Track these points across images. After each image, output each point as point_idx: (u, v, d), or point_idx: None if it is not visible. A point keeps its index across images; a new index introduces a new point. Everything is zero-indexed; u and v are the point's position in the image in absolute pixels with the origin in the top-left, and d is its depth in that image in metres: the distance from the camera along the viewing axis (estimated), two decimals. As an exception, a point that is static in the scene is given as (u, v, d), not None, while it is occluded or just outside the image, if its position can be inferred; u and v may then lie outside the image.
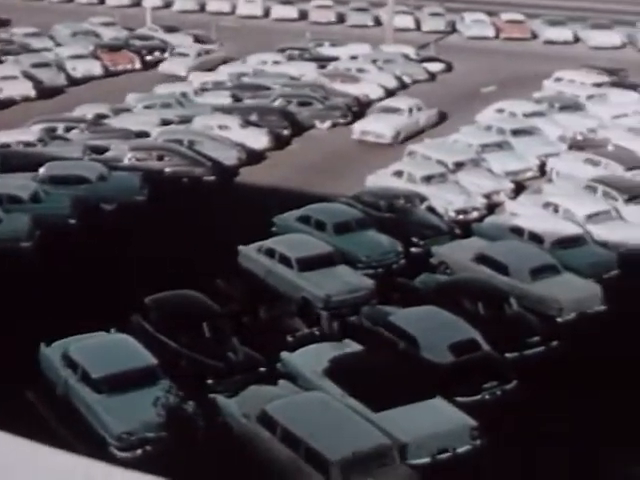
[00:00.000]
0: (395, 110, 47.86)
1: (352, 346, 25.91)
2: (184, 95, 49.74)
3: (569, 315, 29.03)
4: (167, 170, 39.86)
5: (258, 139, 44.31)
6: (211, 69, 58.31)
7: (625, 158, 40.32)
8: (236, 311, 27.31)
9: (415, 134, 46.77)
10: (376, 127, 46.38)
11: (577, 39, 69.80)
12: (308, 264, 29.97)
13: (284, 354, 25.70)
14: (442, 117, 50.03)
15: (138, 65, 60.50)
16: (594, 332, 28.27)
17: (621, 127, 45.14)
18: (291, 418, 21.80)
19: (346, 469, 20.51)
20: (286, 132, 46.31)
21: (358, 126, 46.93)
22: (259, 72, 56.07)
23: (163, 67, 60.42)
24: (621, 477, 22.25)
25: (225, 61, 60.88)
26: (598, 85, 52.84)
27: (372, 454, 20.89)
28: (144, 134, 43.90)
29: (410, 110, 47.77)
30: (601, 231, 33.80)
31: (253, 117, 46.40)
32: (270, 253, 30.85)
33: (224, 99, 49.74)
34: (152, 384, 23.17)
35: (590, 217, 34.38)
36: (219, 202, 37.75)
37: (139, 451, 22.15)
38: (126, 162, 39.92)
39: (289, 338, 27.10)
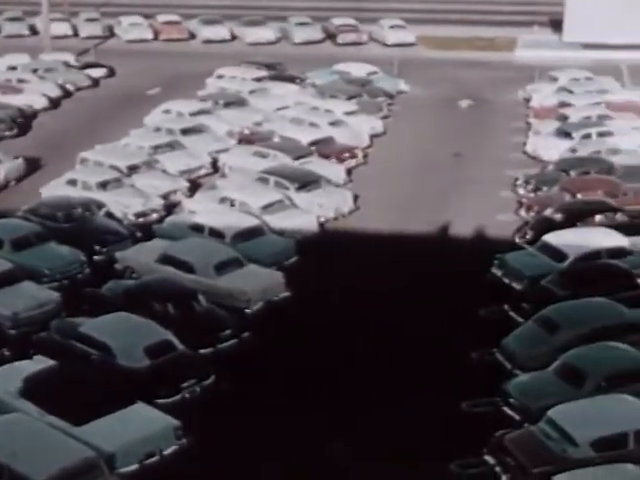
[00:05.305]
0: None
1: (45, 362, 25.42)
2: None
3: (257, 305, 29.94)
4: None
5: None
6: None
7: (291, 148, 41.89)
8: None
9: None
10: None
11: (234, 36, 71.37)
12: (-12, 284, 29.10)
13: (-26, 379, 24.84)
14: (33, 166, 42.25)
15: None
16: (281, 318, 29.37)
17: (284, 118, 46.78)
18: (-10, 444, 21.17)
19: (54, 487, 20.22)
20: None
21: None
22: None
23: None
24: (323, 458, 23.26)
25: None
26: (258, 80, 54.43)
27: (79, 469, 20.71)
28: None
29: None
30: (277, 220, 35.01)
31: None
32: (-54, 277, 29.61)
33: None
34: None
35: (265, 208, 35.52)
36: None
37: None
38: None
39: (-23, 362, 26.26)
